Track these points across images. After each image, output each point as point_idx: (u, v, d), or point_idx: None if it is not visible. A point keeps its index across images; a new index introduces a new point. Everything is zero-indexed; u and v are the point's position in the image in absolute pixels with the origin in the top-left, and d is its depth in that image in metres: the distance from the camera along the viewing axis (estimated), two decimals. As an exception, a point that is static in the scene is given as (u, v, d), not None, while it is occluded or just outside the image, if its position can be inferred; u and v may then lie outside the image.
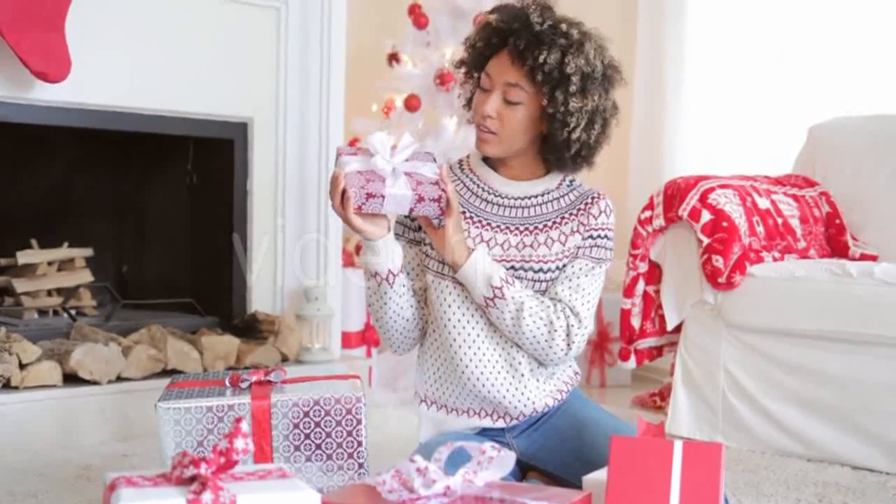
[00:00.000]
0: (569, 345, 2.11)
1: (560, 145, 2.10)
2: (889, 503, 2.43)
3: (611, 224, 2.17)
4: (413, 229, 2.19)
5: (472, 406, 2.16)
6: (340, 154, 2.07)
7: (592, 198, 2.17)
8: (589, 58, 2.07)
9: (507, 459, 1.63)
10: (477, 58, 2.16)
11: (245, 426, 1.46)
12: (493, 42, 2.11)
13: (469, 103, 2.22)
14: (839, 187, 3.45)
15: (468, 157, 2.24)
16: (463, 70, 2.21)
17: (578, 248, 2.14)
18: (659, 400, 3.56)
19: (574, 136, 2.08)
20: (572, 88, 2.05)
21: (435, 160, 2.09)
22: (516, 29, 2.07)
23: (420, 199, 2.01)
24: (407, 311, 2.13)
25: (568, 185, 2.20)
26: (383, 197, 2.00)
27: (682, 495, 1.61)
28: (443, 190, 2.03)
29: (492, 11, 2.16)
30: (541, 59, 2.03)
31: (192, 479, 1.43)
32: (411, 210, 2.03)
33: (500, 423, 2.18)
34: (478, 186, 2.19)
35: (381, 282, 2.09)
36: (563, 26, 2.07)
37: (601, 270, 2.16)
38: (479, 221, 2.15)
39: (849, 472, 2.71)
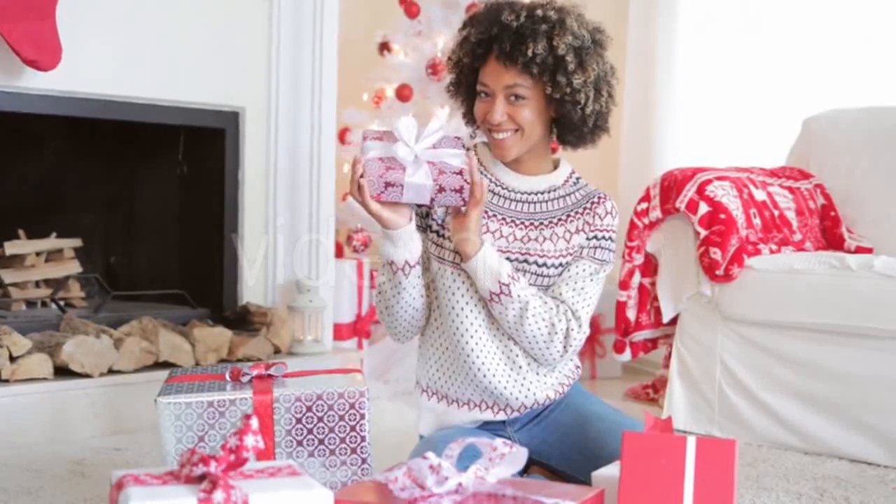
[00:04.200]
0: (566, 347, 2.10)
1: (577, 123, 2.11)
2: (889, 497, 2.42)
3: (615, 226, 2.17)
4: (421, 215, 2.16)
5: (472, 398, 2.15)
6: (366, 138, 2.03)
7: (598, 198, 2.17)
8: (575, 31, 2.07)
9: (518, 456, 1.61)
10: (467, 73, 2.15)
11: (255, 423, 1.43)
12: (478, 53, 2.10)
13: (468, 117, 2.22)
14: (834, 180, 3.44)
15: (475, 146, 2.23)
16: (455, 89, 2.21)
17: (582, 247, 2.14)
18: (652, 392, 3.55)
19: (588, 110, 2.09)
20: (571, 67, 2.05)
21: (464, 146, 2.06)
22: (496, 34, 2.06)
23: (441, 190, 1.99)
24: (418, 300, 2.11)
25: (574, 184, 2.20)
26: (402, 186, 1.97)
27: (696, 492, 1.60)
28: (465, 180, 1.99)
29: (463, 27, 2.15)
30: (529, 52, 2.03)
31: (202, 477, 1.40)
32: (432, 200, 2.00)
33: (501, 416, 2.17)
34: (485, 177, 2.17)
35: (397, 271, 2.06)
36: (539, 12, 2.07)
37: (603, 274, 2.17)
38: (486, 212, 2.14)
39: (847, 465, 2.71)
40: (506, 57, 2.05)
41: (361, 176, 1.97)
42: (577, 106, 2.07)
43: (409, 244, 2.05)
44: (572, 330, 2.09)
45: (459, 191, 1.99)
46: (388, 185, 1.97)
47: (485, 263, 2.05)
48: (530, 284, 2.11)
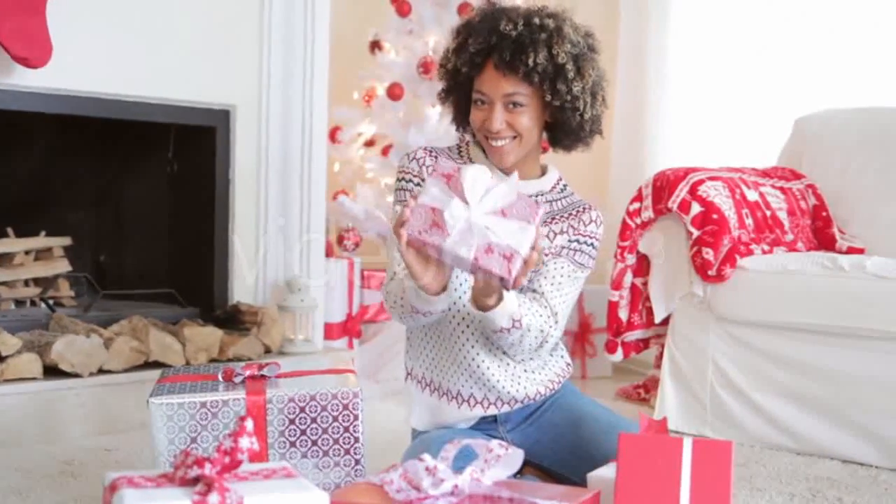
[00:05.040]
0: (541, 344, 2.10)
1: (576, 129, 2.12)
2: (882, 497, 2.42)
3: (598, 234, 2.17)
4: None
5: (463, 389, 2.14)
6: (435, 171, 1.82)
7: (584, 207, 2.18)
8: (572, 39, 2.07)
9: (514, 457, 1.60)
10: (463, 81, 2.14)
11: (250, 425, 1.42)
12: (476, 62, 2.09)
13: (458, 121, 2.21)
14: (825, 180, 3.44)
15: (468, 143, 2.22)
16: (448, 96, 2.20)
17: (563, 248, 2.13)
18: (643, 392, 3.55)
19: (586, 116, 2.10)
20: (570, 75, 2.05)
21: (538, 214, 1.79)
22: (496, 44, 2.05)
23: (479, 269, 1.76)
24: (437, 317, 2.07)
25: (560, 191, 2.21)
26: (441, 249, 1.78)
27: (693, 493, 1.59)
28: (510, 268, 1.75)
29: (457, 34, 2.14)
30: (531, 62, 2.02)
31: (196, 479, 1.39)
32: (471, 272, 1.81)
33: (493, 410, 2.16)
34: None
35: (417, 314, 1.99)
36: (536, 20, 2.06)
37: (581, 276, 2.16)
38: None
39: (839, 465, 2.71)
40: (505, 66, 2.04)
41: (403, 224, 1.81)
42: (577, 112, 2.08)
43: (437, 304, 1.94)
44: (550, 328, 2.08)
45: (500, 279, 1.76)
46: (425, 243, 1.78)
47: (504, 309, 1.95)
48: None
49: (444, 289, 1.91)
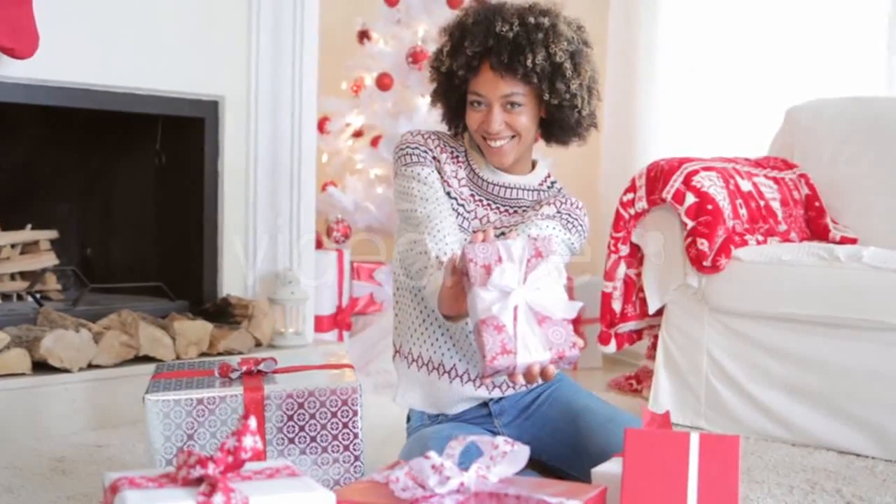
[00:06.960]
0: None
1: (574, 126, 2.13)
2: (880, 488, 2.41)
3: (586, 222, 2.17)
4: (438, 159, 2.13)
5: (457, 364, 2.12)
6: (540, 240, 1.71)
7: (572, 200, 2.19)
8: (568, 37, 2.06)
9: (520, 454, 1.57)
10: (460, 84, 2.11)
11: (253, 423, 1.39)
12: (473, 65, 2.07)
13: (450, 120, 2.19)
14: (818, 170, 3.43)
15: (466, 134, 2.19)
16: (439, 97, 2.17)
17: (552, 217, 2.13)
18: (635, 383, 3.53)
19: (585, 112, 2.10)
20: (568, 73, 2.05)
21: (566, 354, 1.68)
22: (493, 46, 2.03)
23: (477, 332, 1.66)
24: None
25: (549, 187, 2.22)
26: (468, 288, 1.68)
27: (700, 488, 1.57)
28: (493, 359, 1.64)
29: (451, 35, 2.11)
30: (529, 63, 2.01)
31: (199, 479, 1.36)
32: (473, 329, 1.70)
33: (483, 392, 2.14)
34: (468, 164, 2.18)
35: (422, 296, 2.01)
36: (531, 19, 2.04)
37: (565, 248, 2.13)
38: (473, 197, 2.16)
39: (835, 456, 2.70)
40: (503, 68, 2.03)
41: (466, 257, 1.72)
42: (575, 109, 2.08)
43: (441, 318, 1.92)
44: None
45: (505, 368, 1.65)
46: (464, 268, 1.71)
47: None
48: None
49: (457, 318, 1.85)
